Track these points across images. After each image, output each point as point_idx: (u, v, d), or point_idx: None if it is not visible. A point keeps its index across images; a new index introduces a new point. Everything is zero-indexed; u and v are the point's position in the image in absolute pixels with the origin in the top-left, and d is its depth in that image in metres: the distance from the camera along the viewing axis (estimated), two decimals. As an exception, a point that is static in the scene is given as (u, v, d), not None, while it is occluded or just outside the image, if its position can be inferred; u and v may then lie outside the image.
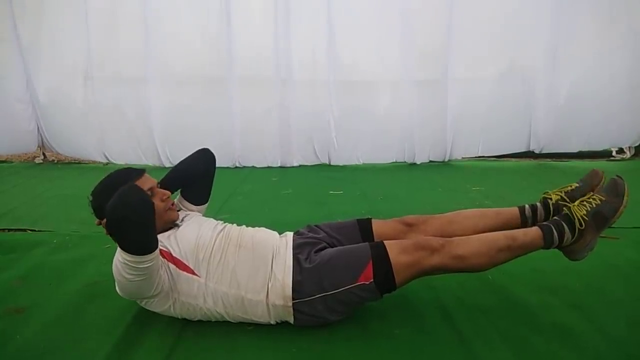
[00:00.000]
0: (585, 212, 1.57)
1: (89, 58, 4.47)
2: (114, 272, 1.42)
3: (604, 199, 1.59)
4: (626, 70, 4.63)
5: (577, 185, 1.73)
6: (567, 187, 1.74)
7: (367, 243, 1.61)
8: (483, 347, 1.45)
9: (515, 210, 1.77)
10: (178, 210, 1.75)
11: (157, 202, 1.55)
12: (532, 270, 2.01)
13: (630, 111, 4.73)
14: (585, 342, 1.48)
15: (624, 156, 5.01)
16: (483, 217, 1.77)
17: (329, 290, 1.50)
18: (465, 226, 1.75)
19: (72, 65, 4.53)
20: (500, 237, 1.57)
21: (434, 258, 1.51)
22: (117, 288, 1.50)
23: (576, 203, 1.60)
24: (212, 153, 1.88)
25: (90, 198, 1.56)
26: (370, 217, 1.87)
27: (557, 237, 1.57)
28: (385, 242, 1.57)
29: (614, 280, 1.93)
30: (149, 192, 1.52)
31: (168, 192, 1.64)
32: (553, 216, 1.69)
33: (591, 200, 1.59)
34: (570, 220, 1.57)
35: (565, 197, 1.70)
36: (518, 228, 1.72)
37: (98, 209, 1.54)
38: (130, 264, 1.33)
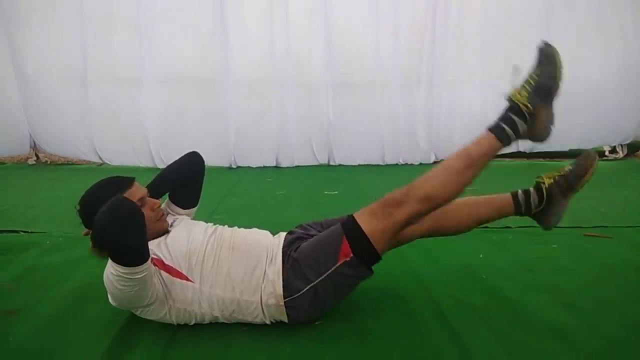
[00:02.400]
0: (526, 94, 1.52)
1: (84, 60, 4.46)
2: (106, 284, 1.39)
3: (537, 72, 1.55)
4: (615, 70, 4.69)
5: (570, 168, 1.69)
6: (559, 171, 1.70)
7: (338, 223, 1.58)
8: (477, 346, 1.45)
9: (508, 196, 1.75)
10: (167, 215, 1.73)
11: (147, 212, 1.51)
12: (525, 270, 2.02)
13: (620, 110, 4.78)
14: (579, 341, 1.48)
15: (617, 156, 5.04)
16: (476, 205, 1.76)
17: (315, 280, 1.49)
18: (460, 214, 1.74)
19: (66, 67, 4.52)
20: (454, 159, 1.54)
21: (403, 209, 1.48)
22: (110, 299, 1.47)
23: (513, 90, 1.55)
24: (200, 156, 1.85)
25: (78, 207, 1.51)
26: None
27: (510, 130, 1.52)
28: (354, 214, 1.55)
29: (607, 279, 1.94)
30: (139, 202, 1.49)
31: (158, 202, 1.59)
32: (547, 201, 1.68)
33: (528, 81, 1.54)
34: (515, 109, 1.53)
35: (558, 181, 1.68)
36: (512, 215, 1.74)
37: (86, 219, 1.50)
38: (123, 275, 1.30)
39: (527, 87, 1.54)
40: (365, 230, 1.49)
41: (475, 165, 1.52)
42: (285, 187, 3.73)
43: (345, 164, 4.78)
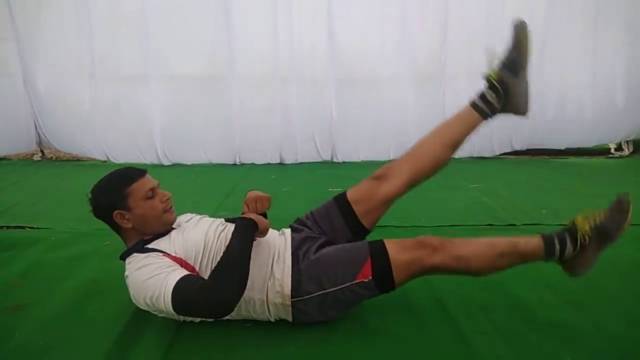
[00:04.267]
0: (589, 227, 1.53)
1: (89, 56, 4.46)
2: (146, 300, 1.37)
3: (609, 215, 1.55)
4: (613, 68, 4.70)
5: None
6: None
7: (367, 241, 1.61)
8: (482, 344, 1.45)
9: (467, 108, 1.77)
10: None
11: (156, 202, 1.53)
12: (529, 267, 1.99)
13: (623, 106, 4.77)
14: (583, 339, 1.48)
15: (622, 153, 5.02)
16: (440, 135, 1.78)
17: (328, 288, 1.50)
18: (431, 153, 1.76)
19: (71, 64, 4.52)
20: (502, 241, 1.57)
21: (434, 257, 1.50)
22: (134, 301, 1.46)
23: (580, 217, 1.56)
24: None
25: (90, 195, 1.52)
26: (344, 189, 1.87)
27: (558, 249, 1.54)
28: (385, 240, 1.57)
29: (612, 277, 1.93)
30: (150, 192, 1.51)
31: (169, 194, 1.60)
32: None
33: (596, 215, 1.55)
34: (573, 234, 1.54)
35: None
36: (479, 123, 1.76)
37: (96, 207, 1.52)
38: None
39: (592, 221, 1.54)
40: (391, 260, 1.51)
41: (513, 258, 1.55)
42: (289, 184, 3.73)
43: (348, 160, 4.77)
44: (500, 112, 1.74)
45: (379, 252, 1.53)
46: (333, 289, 1.50)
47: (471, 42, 4.55)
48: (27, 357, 1.43)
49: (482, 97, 1.74)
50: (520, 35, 1.72)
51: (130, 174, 1.54)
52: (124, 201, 1.48)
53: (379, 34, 4.57)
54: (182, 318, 1.53)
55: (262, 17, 4.43)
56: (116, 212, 1.49)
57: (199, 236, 1.54)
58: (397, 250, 1.52)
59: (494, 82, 1.70)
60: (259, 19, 4.44)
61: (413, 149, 1.80)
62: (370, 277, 1.50)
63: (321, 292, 1.50)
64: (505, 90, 1.69)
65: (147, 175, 1.57)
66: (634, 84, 4.74)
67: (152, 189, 1.53)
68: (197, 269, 1.48)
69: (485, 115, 1.74)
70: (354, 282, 1.50)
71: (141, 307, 1.45)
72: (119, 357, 1.41)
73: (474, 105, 1.75)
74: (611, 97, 4.76)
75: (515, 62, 1.70)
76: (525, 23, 1.74)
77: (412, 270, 1.51)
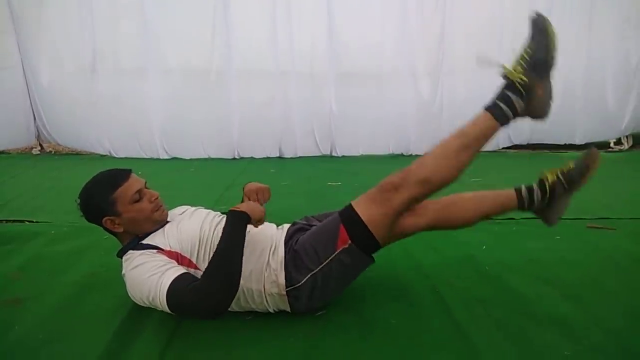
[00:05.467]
0: (521, 69, 1.50)
1: (91, 51, 4.45)
2: (144, 299, 1.39)
3: (531, 45, 1.52)
4: (612, 65, 4.72)
5: (573, 165, 1.66)
6: (562, 167, 1.67)
7: (336, 211, 1.60)
8: (480, 337, 1.46)
9: (511, 192, 1.71)
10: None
11: (145, 203, 1.51)
12: (528, 261, 2.02)
13: (616, 104, 4.79)
14: (580, 333, 1.48)
15: (622, 147, 5.02)
16: (481, 199, 1.73)
17: (314, 268, 1.50)
18: (464, 208, 1.70)
19: (73, 58, 4.52)
20: (450, 140, 1.52)
21: (401, 194, 1.48)
22: (132, 299, 1.47)
23: (509, 67, 1.51)
24: None
25: (78, 201, 1.50)
26: None
27: (507, 108, 1.50)
28: (352, 202, 1.56)
29: (609, 271, 1.94)
30: (137, 194, 1.49)
31: (156, 193, 1.57)
32: (549, 197, 1.65)
33: (523, 55, 1.51)
34: (512, 85, 1.50)
35: (561, 178, 1.65)
36: (515, 209, 1.71)
37: (85, 212, 1.50)
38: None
39: (522, 62, 1.52)
40: (362, 217, 1.50)
41: (471, 147, 1.51)
42: (288, 178, 3.73)
43: (347, 154, 4.78)
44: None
45: (349, 215, 1.52)
46: (320, 267, 1.49)
47: (469, 38, 4.55)
48: (26, 350, 1.43)
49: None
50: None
51: (114, 178, 1.51)
52: (112, 208, 1.47)
53: (378, 30, 4.57)
54: None
55: (261, 12, 4.43)
56: (105, 219, 1.48)
57: (194, 228, 1.54)
58: (366, 206, 1.51)
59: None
60: (257, 13, 4.44)
61: (454, 203, 1.69)
62: (350, 241, 1.49)
63: (310, 275, 1.50)
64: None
65: (132, 176, 1.53)
66: (633, 81, 4.73)
67: (139, 191, 1.51)
68: (194, 262, 1.48)
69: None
70: (336, 253, 1.49)
71: (139, 304, 1.46)
72: (119, 350, 1.42)
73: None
74: (610, 93, 4.75)
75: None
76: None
77: (386, 217, 1.49)
